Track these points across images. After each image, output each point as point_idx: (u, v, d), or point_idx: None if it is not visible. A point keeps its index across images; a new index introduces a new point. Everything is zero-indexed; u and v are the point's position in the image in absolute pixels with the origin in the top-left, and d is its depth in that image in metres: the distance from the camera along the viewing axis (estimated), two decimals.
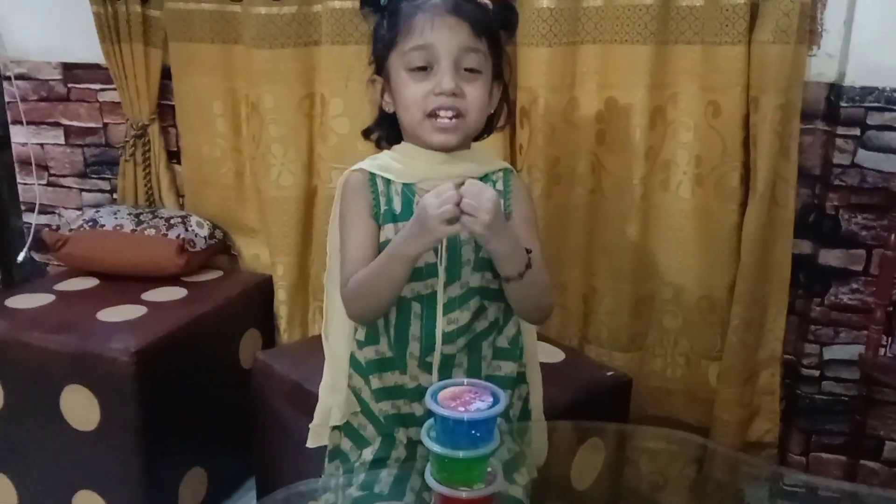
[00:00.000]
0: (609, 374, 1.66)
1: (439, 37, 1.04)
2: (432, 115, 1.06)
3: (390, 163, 1.12)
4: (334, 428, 1.21)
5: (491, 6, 1.10)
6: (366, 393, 1.17)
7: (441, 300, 1.10)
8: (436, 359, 1.12)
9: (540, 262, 1.09)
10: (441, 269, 1.09)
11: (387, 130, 1.16)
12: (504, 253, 1.02)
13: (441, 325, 1.10)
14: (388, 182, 1.11)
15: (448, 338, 1.11)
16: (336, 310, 1.18)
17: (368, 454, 1.16)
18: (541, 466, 1.25)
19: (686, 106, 1.77)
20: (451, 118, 1.06)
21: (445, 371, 1.13)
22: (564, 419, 1.42)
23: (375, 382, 1.16)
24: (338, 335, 1.19)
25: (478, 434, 0.87)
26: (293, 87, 1.92)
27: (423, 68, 1.05)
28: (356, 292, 1.08)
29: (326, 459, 1.23)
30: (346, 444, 1.20)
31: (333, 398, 1.19)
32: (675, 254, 1.85)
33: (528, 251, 1.04)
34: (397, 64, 1.07)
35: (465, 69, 1.06)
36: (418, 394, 1.13)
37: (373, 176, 1.11)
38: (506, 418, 1.19)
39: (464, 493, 0.88)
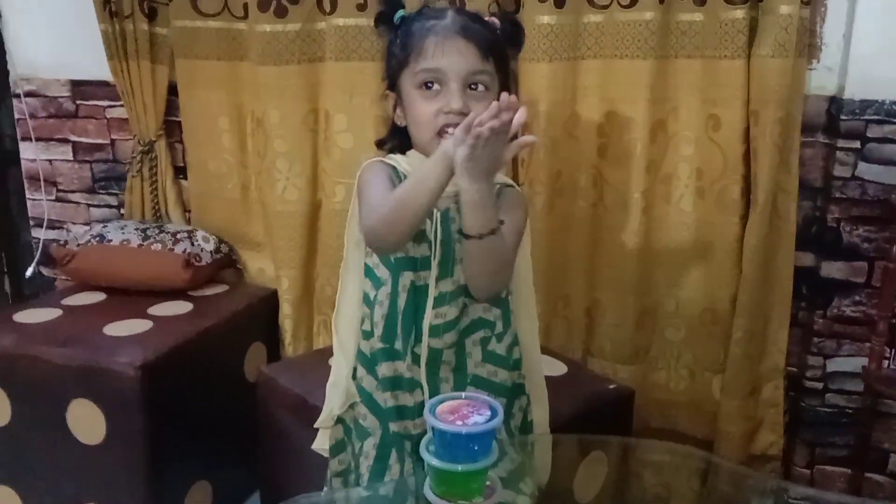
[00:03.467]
0: (612, 386, 1.66)
1: (449, 60, 1.08)
2: (442, 132, 1.10)
3: (405, 166, 1.16)
4: (336, 423, 1.24)
5: (499, 24, 1.15)
6: (367, 382, 1.20)
7: (432, 293, 1.13)
8: (423, 351, 1.15)
9: (503, 242, 1.06)
10: (434, 264, 1.12)
11: (399, 142, 1.20)
12: (474, 200, 1.00)
13: (429, 318, 1.13)
14: (403, 178, 1.14)
15: (434, 331, 1.14)
16: (347, 300, 1.22)
17: (370, 447, 1.18)
18: (543, 485, 1.25)
19: (687, 119, 1.78)
20: None
21: (433, 367, 1.16)
22: (567, 432, 1.42)
23: (382, 371, 1.18)
24: (347, 325, 1.23)
25: (476, 447, 0.88)
26: (298, 102, 1.94)
27: (432, 87, 1.09)
28: (386, 218, 1.05)
29: (329, 456, 1.25)
30: (349, 436, 1.22)
31: (338, 391, 1.22)
32: (677, 266, 1.86)
33: (501, 222, 1.04)
34: (408, 82, 1.12)
35: (473, 88, 1.09)
36: (411, 385, 1.16)
37: (392, 167, 1.15)
38: (506, 429, 1.20)
39: None
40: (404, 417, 1.17)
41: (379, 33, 1.18)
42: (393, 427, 1.17)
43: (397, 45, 1.13)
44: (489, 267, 1.08)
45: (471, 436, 0.87)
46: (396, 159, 1.17)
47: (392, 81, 1.15)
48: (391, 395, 1.17)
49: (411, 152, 1.17)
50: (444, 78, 1.08)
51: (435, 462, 0.88)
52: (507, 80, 1.15)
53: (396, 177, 1.13)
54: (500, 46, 1.13)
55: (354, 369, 1.22)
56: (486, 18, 1.15)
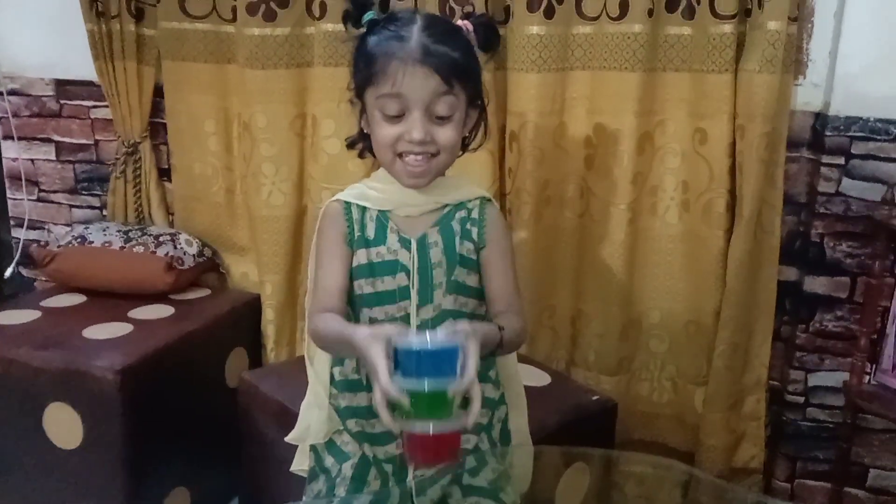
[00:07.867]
0: (595, 398, 1.66)
1: (411, 87, 1.04)
2: (402, 155, 1.08)
3: (366, 191, 1.15)
4: (312, 448, 1.22)
5: (472, 29, 1.11)
6: (345, 408, 1.18)
7: (414, 322, 1.11)
8: None
9: (513, 300, 1.12)
10: (413, 292, 1.11)
11: (369, 143, 1.17)
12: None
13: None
14: (363, 209, 1.13)
15: None
16: None
17: (348, 468, 1.17)
18: (524, 493, 1.25)
19: (674, 132, 1.79)
20: (420, 159, 1.08)
21: None
22: (549, 443, 1.42)
23: (359, 400, 1.16)
24: (321, 355, 1.21)
25: (441, 366, 0.91)
26: (285, 107, 1.93)
27: (395, 116, 1.07)
28: (315, 336, 1.11)
29: (307, 480, 1.23)
30: (328, 461, 1.20)
31: (313, 415, 1.21)
32: (662, 278, 1.87)
33: (501, 328, 1.06)
34: (372, 101, 1.09)
35: (439, 119, 1.07)
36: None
37: (348, 205, 1.14)
38: (488, 440, 1.20)
39: (431, 427, 0.90)
40: (386, 442, 1.16)
41: (347, 33, 1.14)
42: (375, 451, 1.16)
43: (362, 58, 1.10)
44: (510, 347, 1.13)
45: (434, 352, 0.91)
46: (357, 190, 1.15)
47: (358, 91, 1.13)
48: (368, 422, 1.16)
49: (376, 174, 1.17)
50: (405, 104, 1.05)
51: (401, 383, 0.90)
52: (477, 94, 1.12)
53: (349, 217, 1.12)
54: (467, 65, 1.08)
55: (333, 395, 1.20)
56: (459, 23, 1.11)
